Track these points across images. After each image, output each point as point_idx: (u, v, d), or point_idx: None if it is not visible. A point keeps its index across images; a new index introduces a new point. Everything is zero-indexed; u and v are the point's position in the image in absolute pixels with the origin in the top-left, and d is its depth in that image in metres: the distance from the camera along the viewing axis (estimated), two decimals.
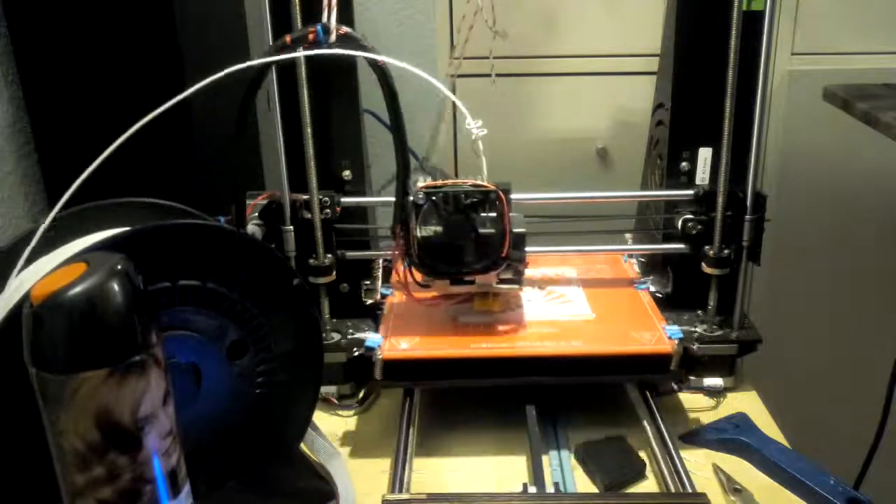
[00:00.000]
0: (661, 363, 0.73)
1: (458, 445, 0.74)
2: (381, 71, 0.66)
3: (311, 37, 0.65)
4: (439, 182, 0.72)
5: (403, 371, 0.73)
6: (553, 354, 0.72)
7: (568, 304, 0.82)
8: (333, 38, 0.65)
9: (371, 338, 0.74)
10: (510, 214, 0.71)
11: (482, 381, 0.74)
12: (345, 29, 0.65)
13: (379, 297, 0.85)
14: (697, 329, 0.82)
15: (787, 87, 1.18)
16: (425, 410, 0.78)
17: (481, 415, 0.77)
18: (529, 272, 0.81)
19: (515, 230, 0.72)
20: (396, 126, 0.69)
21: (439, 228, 0.71)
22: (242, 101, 0.67)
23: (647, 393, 0.76)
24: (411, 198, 0.71)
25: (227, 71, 0.58)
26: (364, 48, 0.65)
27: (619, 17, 1.16)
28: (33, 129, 0.91)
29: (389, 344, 0.73)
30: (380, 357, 0.72)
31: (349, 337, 0.81)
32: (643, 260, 0.92)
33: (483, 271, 0.73)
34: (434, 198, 0.71)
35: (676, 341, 0.73)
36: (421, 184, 0.72)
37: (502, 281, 0.75)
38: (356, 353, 0.76)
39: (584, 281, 0.87)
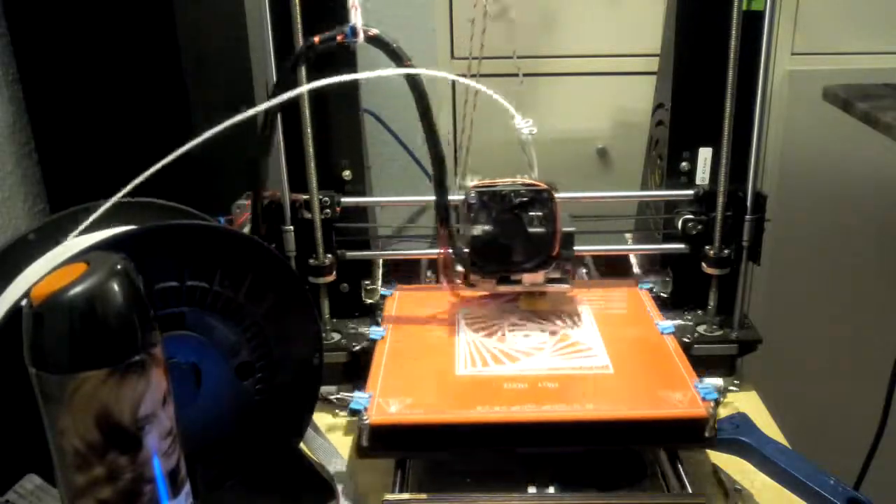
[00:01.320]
0: (693, 429, 0.62)
1: None
2: (414, 81, 0.66)
3: (339, 38, 0.65)
4: (489, 181, 0.72)
5: (395, 439, 0.63)
6: (565, 420, 0.62)
7: (583, 355, 0.71)
8: (361, 39, 0.65)
9: (357, 397, 0.64)
10: (560, 213, 0.71)
11: (485, 450, 0.65)
12: (374, 31, 0.65)
13: (379, 297, 0.85)
14: (698, 329, 0.82)
15: (787, 87, 1.18)
16: (419, 476, 0.69)
17: (483, 482, 0.66)
18: (539, 310, 0.79)
19: (565, 229, 0.72)
20: (428, 127, 0.68)
21: (489, 227, 0.71)
22: (268, 114, 0.67)
23: None
24: (463, 197, 0.71)
25: (262, 107, 0.58)
26: (393, 51, 0.65)
27: (619, 17, 1.16)
28: (33, 129, 0.91)
29: (378, 406, 0.63)
30: (367, 423, 0.61)
31: (350, 334, 0.81)
32: (663, 286, 0.86)
33: (533, 270, 0.73)
34: (485, 197, 0.71)
35: (712, 403, 0.62)
36: (472, 183, 0.72)
37: (550, 280, 0.75)
38: (356, 348, 0.76)
39: (600, 322, 0.77)
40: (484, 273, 0.73)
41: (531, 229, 0.71)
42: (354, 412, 0.62)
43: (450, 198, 0.71)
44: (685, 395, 0.64)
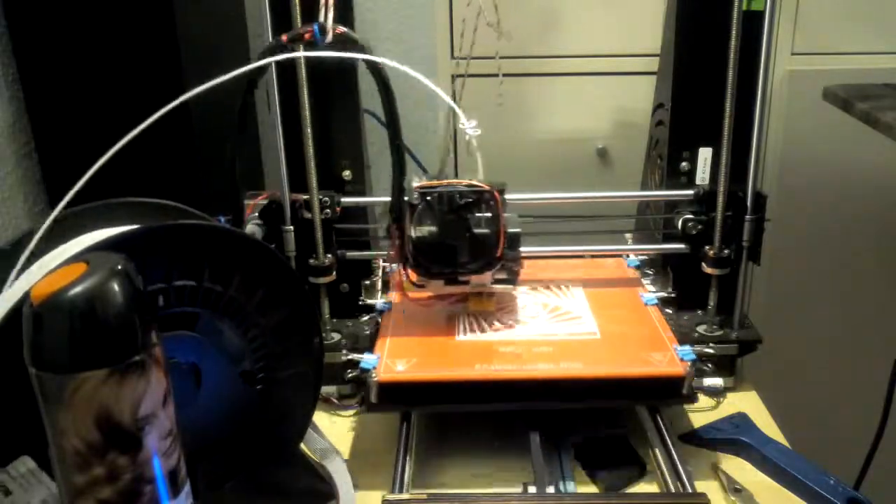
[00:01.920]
0: (672, 386, 0.68)
1: (458, 474, 0.70)
2: (378, 70, 0.66)
3: (307, 36, 0.65)
4: (434, 182, 0.72)
5: (400, 395, 0.69)
6: (557, 377, 0.68)
7: (573, 322, 0.77)
8: (330, 37, 0.65)
9: (366, 359, 0.70)
10: (505, 214, 0.71)
11: (483, 406, 0.70)
12: (341, 28, 0.65)
13: (379, 297, 0.85)
14: (698, 329, 0.82)
15: (787, 87, 1.18)
16: (423, 434, 0.74)
17: (483, 439, 0.73)
18: (531, 281, 0.80)
19: (510, 230, 0.71)
20: (392, 125, 0.69)
21: (434, 228, 0.71)
22: (241, 103, 0.67)
23: None
24: (406, 198, 0.71)
25: (225, 77, 0.58)
26: (361, 48, 0.65)
27: (619, 17, 1.16)
28: (33, 129, 0.91)
29: (385, 365, 0.69)
30: (375, 380, 0.68)
31: (350, 332, 0.82)
32: (645, 261, 0.91)
33: (478, 271, 0.73)
34: (429, 197, 0.71)
35: (689, 363, 0.68)
36: (416, 183, 0.71)
37: (497, 281, 0.75)
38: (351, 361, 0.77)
39: (589, 294, 0.83)
40: (428, 274, 0.73)
41: (475, 230, 0.71)
42: (364, 371, 0.68)
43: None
44: (665, 355, 0.69)
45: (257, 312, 0.57)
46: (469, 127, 0.67)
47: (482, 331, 0.75)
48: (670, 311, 0.84)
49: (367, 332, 0.81)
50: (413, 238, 0.71)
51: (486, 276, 0.74)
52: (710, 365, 0.78)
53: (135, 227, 0.55)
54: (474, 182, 0.71)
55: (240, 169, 0.72)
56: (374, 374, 0.68)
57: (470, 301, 0.78)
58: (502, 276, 0.74)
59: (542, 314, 0.79)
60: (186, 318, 0.54)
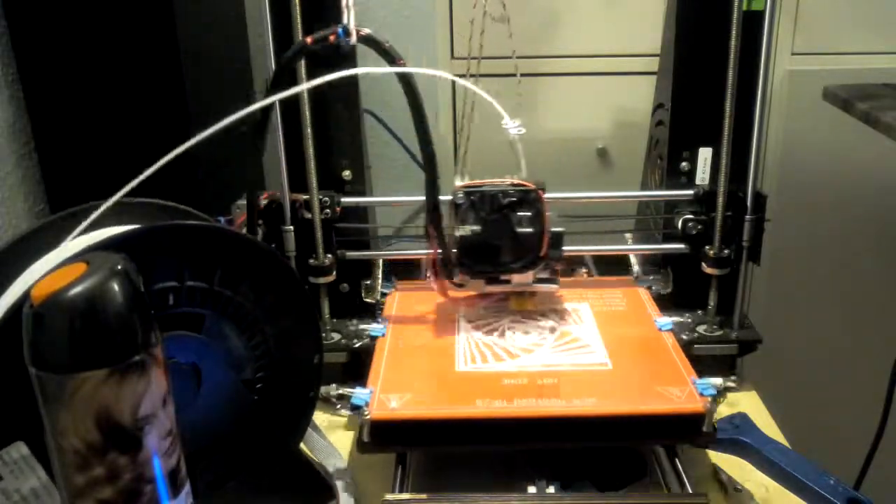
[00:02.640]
0: (691, 425, 0.62)
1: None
2: (405, 78, 0.65)
3: (331, 38, 0.65)
4: (477, 181, 0.72)
5: (395, 434, 0.63)
6: (566, 415, 0.62)
7: (582, 352, 0.71)
8: (354, 39, 0.65)
9: (357, 393, 0.64)
10: (547, 213, 0.71)
11: (484, 447, 0.65)
12: (366, 30, 0.65)
13: (379, 296, 0.85)
14: (698, 329, 0.82)
15: (787, 87, 1.18)
16: (419, 475, 0.69)
17: (484, 480, 0.67)
18: (539, 308, 0.78)
19: (553, 229, 0.71)
20: (421, 125, 0.68)
21: (478, 228, 0.71)
22: (262, 114, 0.67)
23: None
24: (450, 197, 0.71)
25: (260, 104, 0.58)
26: (385, 51, 0.65)
27: (619, 17, 1.16)
28: (33, 129, 0.91)
29: (379, 401, 0.63)
30: (367, 418, 0.62)
31: (350, 334, 0.81)
32: (663, 286, 0.87)
33: (521, 270, 0.73)
34: (472, 197, 0.71)
35: (709, 398, 0.62)
36: (459, 183, 0.72)
37: (539, 280, 0.75)
38: (357, 345, 0.76)
39: (598, 317, 0.77)
40: (472, 274, 0.73)
41: (519, 229, 0.71)
42: (355, 408, 0.62)
43: (441, 198, 0.71)
44: (683, 390, 0.64)
45: (263, 318, 0.57)
46: (513, 127, 0.67)
47: (483, 360, 0.70)
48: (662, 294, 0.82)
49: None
50: (457, 237, 0.71)
51: (529, 276, 0.74)
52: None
53: (138, 227, 0.55)
54: (517, 181, 0.71)
55: (239, 169, 0.72)
56: (366, 412, 0.62)
57: (511, 300, 0.78)
58: (544, 275, 0.75)
59: (549, 340, 0.73)
60: (192, 319, 0.54)
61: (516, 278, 0.74)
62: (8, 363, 0.43)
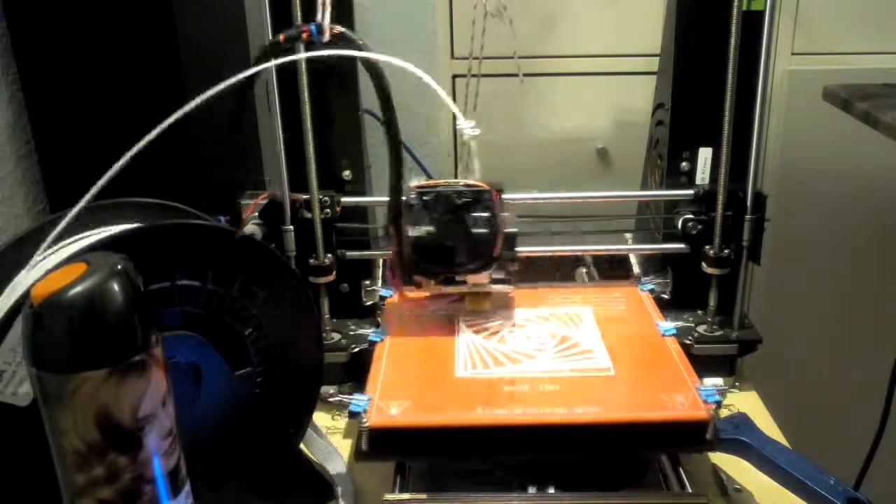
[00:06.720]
0: (695, 432, 0.62)
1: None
2: (375, 70, 0.65)
3: (304, 36, 0.65)
4: (432, 182, 0.72)
5: (395, 442, 0.62)
6: (568, 423, 0.61)
7: (584, 358, 0.70)
8: (327, 37, 0.65)
9: (356, 400, 0.63)
10: (502, 214, 0.71)
11: (486, 456, 0.65)
12: (339, 28, 0.65)
13: (378, 297, 0.85)
14: (698, 329, 0.82)
15: (787, 87, 1.18)
16: (419, 474, 0.69)
17: (483, 480, 0.67)
18: (539, 312, 0.78)
19: (507, 230, 0.71)
20: (389, 125, 0.68)
21: (431, 228, 0.71)
22: (236, 103, 0.67)
23: None
24: (404, 198, 0.70)
25: (224, 84, 0.58)
26: (358, 47, 0.65)
27: (619, 17, 1.16)
28: (33, 129, 0.91)
29: (377, 408, 0.62)
30: (366, 426, 0.61)
31: (350, 334, 0.81)
32: (663, 286, 0.87)
33: (475, 271, 0.72)
34: (426, 197, 0.70)
35: (713, 405, 0.62)
36: (414, 183, 0.71)
37: (495, 281, 0.74)
38: (356, 349, 0.76)
39: (600, 322, 0.76)
40: (427, 274, 0.73)
41: (473, 230, 0.71)
42: (354, 415, 0.62)
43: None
44: (686, 397, 0.63)
45: (263, 317, 0.57)
46: (467, 127, 0.66)
47: (484, 366, 0.69)
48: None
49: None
50: (411, 238, 0.71)
51: (484, 276, 0.73)
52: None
53: (137, 225, 0.56)
54: (472, 182, 0.71)
55: (239, 170, 0.72)
56: (364, 419, 0.61)
57: (467, 301, 0.78)
58: (500, 275, 0.74)
59: (550, 345, 0.72)
60: (188, 318, 0.54)
61: (472, 279, 0.74)
62: None
